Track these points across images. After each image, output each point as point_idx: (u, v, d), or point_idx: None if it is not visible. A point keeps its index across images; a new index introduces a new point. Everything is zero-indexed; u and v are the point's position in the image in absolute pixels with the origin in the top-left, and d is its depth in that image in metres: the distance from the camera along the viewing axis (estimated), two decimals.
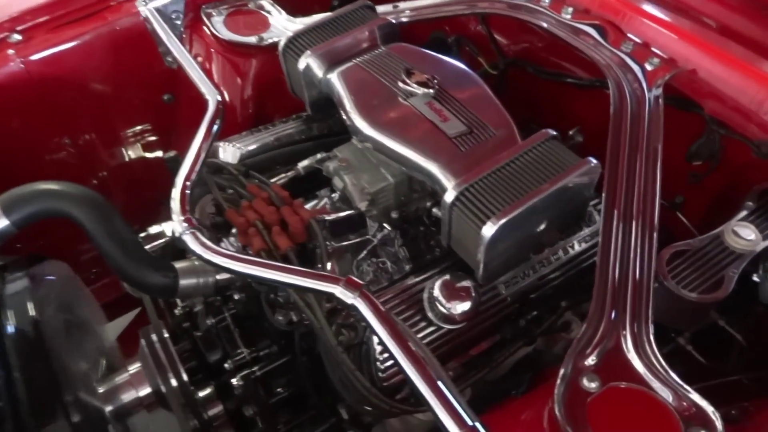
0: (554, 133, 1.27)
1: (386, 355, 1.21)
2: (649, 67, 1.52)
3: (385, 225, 1.51)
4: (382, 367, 1.21)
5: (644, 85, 1.46)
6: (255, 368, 1.44)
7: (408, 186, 1.41)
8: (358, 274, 1.52)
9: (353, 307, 1.07)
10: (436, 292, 1.22)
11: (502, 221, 1.11)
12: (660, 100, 1.43)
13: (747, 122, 1.40)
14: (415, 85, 1.37)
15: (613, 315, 1.12)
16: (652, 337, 1.09)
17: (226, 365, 1.43)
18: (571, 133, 1.61)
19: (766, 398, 1.05)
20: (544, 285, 1.40)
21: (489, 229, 1.11)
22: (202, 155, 1.37)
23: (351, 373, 1.19)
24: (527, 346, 1.45)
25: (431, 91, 1.36)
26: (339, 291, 1.07)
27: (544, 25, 1.65)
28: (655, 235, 1.21)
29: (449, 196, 1.18)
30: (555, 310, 1.46)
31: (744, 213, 1.36)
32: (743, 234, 1.28)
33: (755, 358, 1.38)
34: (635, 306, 1.13)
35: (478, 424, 0.88)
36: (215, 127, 1.44)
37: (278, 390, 1.54)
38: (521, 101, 1.99)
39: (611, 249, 1.19)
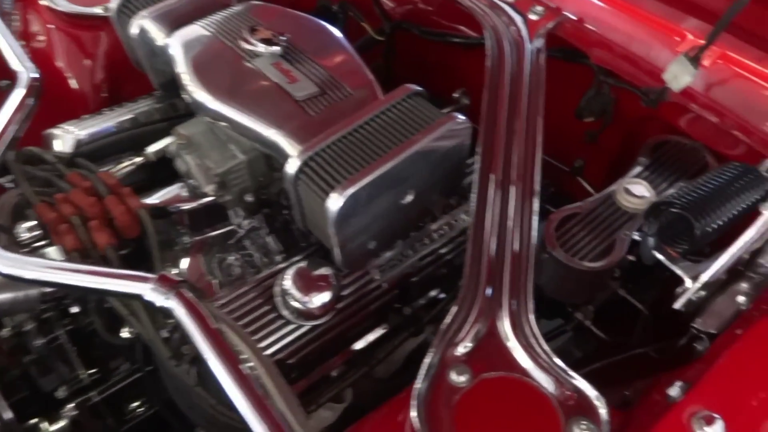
0: (417, 88, 1.09)
1: None
2: (532, 17, 1.37)
3: (246, 213, 1.31)
4: None
5: (525, 35, 1.31)
6: (93, 393, 1.21)
7: (265, 163, 1.21)
8: (223, 271, 1.31)
9: (167, 310, 0.86)
10: (288, 285, 1.03)
11: (350, 191, 0.93)
12: (542, 53, 1.29)
13: (636, 70, 1.26)
14: (259, 44, 1.16)
15: (488, 292, 0.96)
16: (532, 317, 0.93)
17: (58, 393, 1.19)
18: (456, 95, 1.45)
19: (666, 374, 0.91)
20: (428, 266, 1.23)
21: (335, 202, 0.93)
22: (4, 143, 1.12)
23: (191, 390, 0.98)
24: (415, 336, 1.28)
25: (278, 49, 1.16)
26: (148, 291, 0.86)
27: None
28: (536, 200, 1.06)
29: (291, 167, 0.99)
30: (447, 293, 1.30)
31: (638, 169, 1.24)
32: (636, 191, 1.15)
33: (662, 328, 1.25)
34: (514, 281, 0.97)
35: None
36: (26, 110, 1.19)
37: (137, 411, 1.32)
38: (411, 66, 1.83)
39: (486, 218, 1.03)
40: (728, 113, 1.18)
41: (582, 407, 0.82)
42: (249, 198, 1.22)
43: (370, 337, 1.24)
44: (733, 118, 1.18)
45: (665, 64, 1.15)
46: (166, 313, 0.86)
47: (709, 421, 0.69)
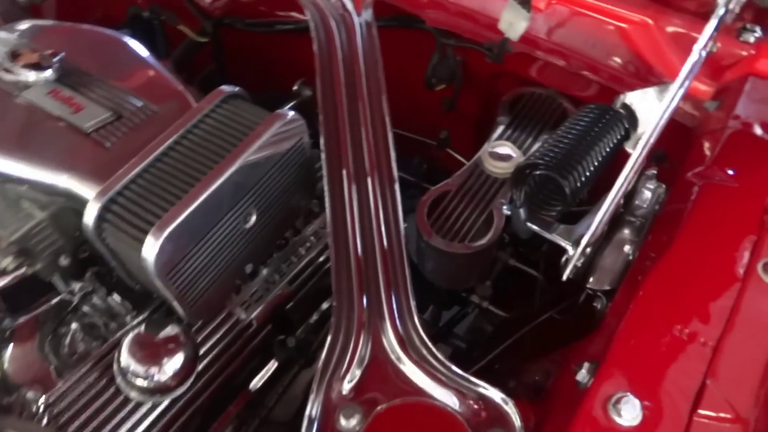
0: (233, 89, 0.92)
1: None
2: None
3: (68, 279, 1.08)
4: None
5: (351, 9, 1.18)
6: None
7: (76, 214, 0.98)
8: (62, 351, 1.07)
9: None
10: (126, 360, 0.83)
11: (167, 231, 0.75)
12: (373, 25, 1.16)
13: (473, 25, 1.18)
14: (24, 71, 0.93)
15: (365, 302, 0.82)
16: (418, 323, 0.81)
17: None
18: (295, 87, 1.29)
19: (572, 349, 0.82)
20: (302, 286, 1.07)
21: (150, 249, 0.74)
22: None
23: None
24: (308, 366, 1.13)
25: (50, 73, 0.93)
26: None
27: None
28: (396, 188, 0.93)
29: (89, 215, 0.79)
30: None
31: (500, 129, 1.15)
32: (501, 153, 1.06)
33: (561, 287, 1.19)
34: (389, 283, 0.84)
35: None
36: None
37: None
38: (246, 65, 1.65)
39: (346, 219, 0.89)
40: (572, 53, 1.13)
41: (492, 418, 0.71)
42: (64, 262, 0.99)
43: (258, 382, 1.07)
44: (578, 57, 1.12)
45: (500, 14, 1.06)
46: None
47: (623, 402, 0.60)
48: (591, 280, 0.89)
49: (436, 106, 1.43)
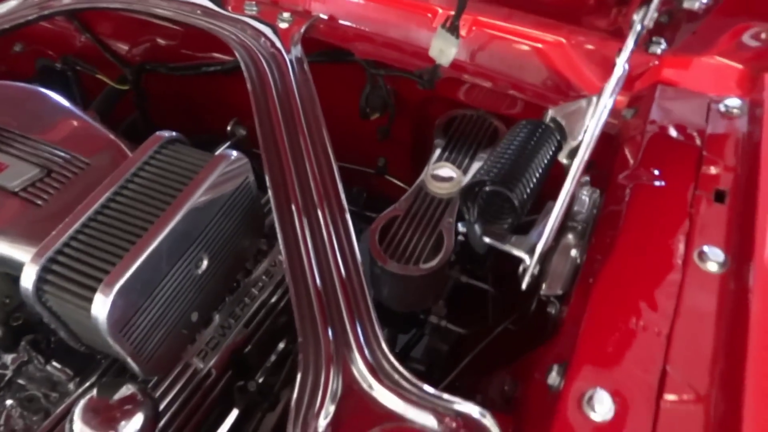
0: (171, 134, 0.90)
1: None
2: (282, 25, 1.25)
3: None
4: None
5: (280, 46, 1.19)
6: None
7: (3, 280, 0.92)
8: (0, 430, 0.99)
9: None
10: (79, 428, 0.77)
11: (118, 285, 0.71)
12: (304, 61, 1.17)
13: (401, 55, 1.22)
14: None
15: (330, 334, 0.81)
16: (385, 347, 0.81)
17: None
18: (229, 128, 1.27)
19: (535, 355, 0.85)
20: (258, 328, 1.04)
21: (101, 307, 0.71)
22: None
23: None
24: (272, 410, 1.09)
25: None
26: None
27: (141, 8, 1.27)
28: (347, 217, 0.94)
29: (27, 278, 0.74)
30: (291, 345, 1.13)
31: (437, 152, 1.19)
32: (443, 175, 1.09)
33: (511, 300, 1.23)
34: (352, 312, 0.84)
35: None
36: None
37: None
38: (172, 109, 1.61)
39: (301, 254, 0.88)
40: (497, 75, 1.19)
41: (470, 430, 0.71)
42: None
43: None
44: (502, 78, 1.19)
45: (427, 42, 1.11)
46: None
47: (596, 399, 0.63)
48: (543, 286, 0.92)
49: (372, 136, 1.46)
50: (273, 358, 1.10)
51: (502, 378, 0.92)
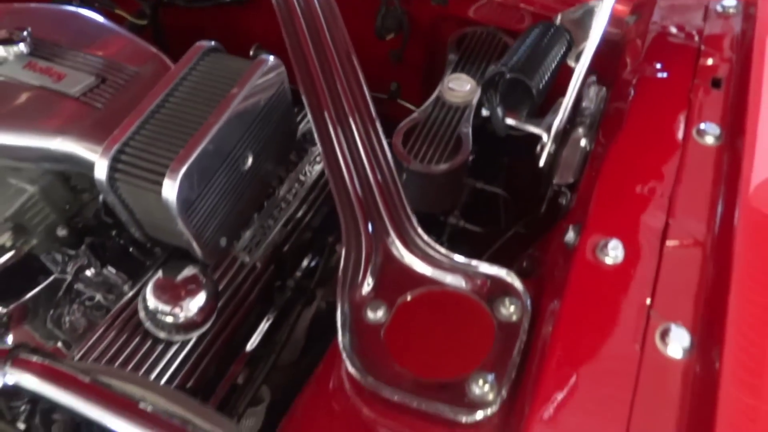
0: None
1: None
2: None
3: (66, 251, 1.09)
4: None
5: None
6: None
7: (63, 186, 1.01)
8: (64, 329, 1.09)
9: (11, 389, 0.67)
10: (153, 303, 0.87)
11: (183, 170, 0.80)
12: None
13: None
14: None
15: (370, 228, 0.91)
16: (419, 229, 0.91)
17: None
18: (251, 53, 1.33)
19: (554, 229, 0.95)
20: (293, 231, 1.14)
21: (170, 189, 0.79)
22: None
23: None
24: (308, 305, 1.20)
25: (23, 47, 0.95)
26: None
27: None
28: (378, 125, 1.01)
29: (100, 170, 0.82)
30: (322, 251, 1.23)
31: (451, 67, 1.26)
32: (459, 86, 1.17)
33: (523, 205, 1.32)
34: (389, 207, 0.93)
35: None
36: None
37: None
38: (186, 44, 1.66)
39: (338, 157, 0.97)
40: None
41: (498, 288, 0.82)
42: (62, 232, 1.01)
43: (264, 325, 1.13)
44: None
45: None
46: (12, 392, 0.67)
47: (609, 246, 0.73)
48: (555, 177, 1.02)
49: (384, 60, 1.52)
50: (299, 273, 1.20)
51: (521, 260, 1.02)
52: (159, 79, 0.93)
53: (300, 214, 1.15)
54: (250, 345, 1.11)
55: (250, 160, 0.95)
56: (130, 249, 1.14)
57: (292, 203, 1.15)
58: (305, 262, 1.23)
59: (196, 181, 0.83)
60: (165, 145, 0.83)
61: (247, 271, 1.04)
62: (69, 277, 1.12)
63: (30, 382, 0.66)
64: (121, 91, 0.93)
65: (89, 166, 0.87)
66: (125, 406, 0.63)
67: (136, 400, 0.65)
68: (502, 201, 1.31)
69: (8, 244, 0.96)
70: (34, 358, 0.67)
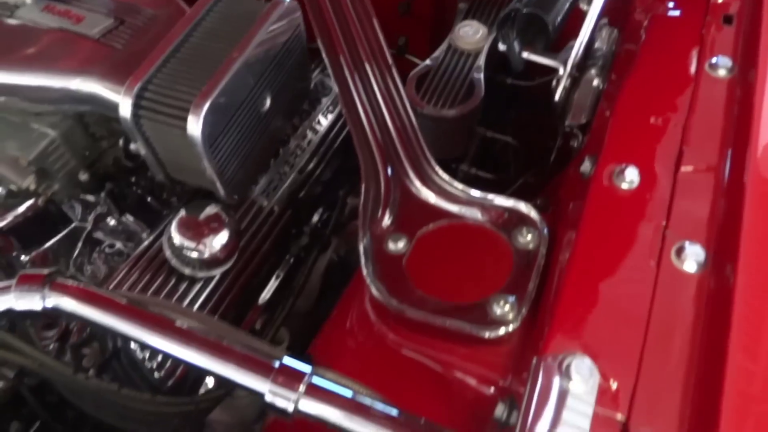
0: None
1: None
2: None
3: (86, 198, 1.11)
4: (155, 363, 0.87)
5: None
6: None
7: (82, 132, 1.02)
8: (88, 278, 1.11)
9: (51, 311, 0.69)
10: (178, 239, 0.89)
11: (206, 105, 0.81)
12: None
13: None
14: None
15: (389, 171, 0.93)
16: (437, 167, 0.93)
17: None
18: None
19: (557, 178, 0.97)
20: (309, 177, 1.16)
21: (195, 124, 0.81)
22: None
23: (119, 396, 0.82)
24: (324, 251, 1.23)
25: None
26: (14, 300, 0.68)
27: None
28: (394, 71, 1.02)
29: (125, 108, 0.84)
30: (336, 201, 1.25)
31: (462, 15, 1.27)
32: (470, 33, 1.18)
33: (532, 155, 1.34)
34: (408, 150, 0.94)
35: (286, 359, 0.62)
36: None
37: None
38: None
39: (356, 102, 0.98)
40: None
41: (515, 219, 0.84)
42: (83, 176, 1.02)
43: (281, 272, 1.16)
44: None
45: None
46: (51, 315, 0.69)
47: (626, 172, 0.75)
48: (568, 118, 1.03)
49: (392, 13, 1.52)
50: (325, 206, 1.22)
51: (535, 199, 1.04)
52: (175, 22, 0.94)
53: (314, 162, 1.17)
54: (268, 290, 1.14)
55: (268, 102, 0.96)
56: (148, 199, 1.16)
57: (306, 150, 1.16)
58: (317, 217, 1.25)
59: (218, 117, 0.84)
60: (187, 82, 0.85)
61: (265, 214, 1.06)
62: (89, 226, 1.14)
63: (68, 304, 0.68)
64: (139, 32, 0.94)
65: (110, 106, 0.88)
66: (163, 324, 0.66)
67: (172, 319, 0.67)
68: (512, 150, 1.33)
69: (32, 187, 0.98)
70: (70, 282, 0.70)
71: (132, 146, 1.00)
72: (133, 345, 0.87)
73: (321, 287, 1.26)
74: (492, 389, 0.72)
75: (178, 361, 0.70)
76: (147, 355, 0.87)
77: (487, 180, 1.29)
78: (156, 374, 0.87)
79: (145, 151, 0.90)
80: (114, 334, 0.80)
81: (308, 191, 1.17)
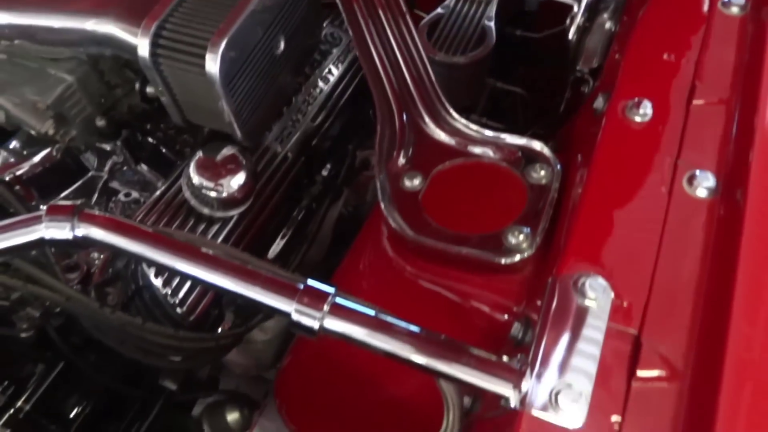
0: None
1: (174, 283, 0.90)
2: None
3: (102, 146, 1.13)
4: (178, 299, 0.90)
5: None
6: (19, 403, 1.01)
7: (98, 78, 1.03)
8: None
9: (81, 240, 0.71)
10: (195, 179, 0.91)
11: (224, 43, 0.82)
12: None
13: None
14: None
15: (404, 114, 0.94)
16: (450, 109, 0.94)
17: None
18: None
19: (568, 125, 0.99)
20: (321, 126, 1.17)
21: (212, 62, 0.82)
22: None
23: (143, 330, 0.86)
24: (335, 201, 1.25)
25: None
26: (45, 229, 0.70)
27: None
28: (408, 18, 1.03)
29: (143, 48, 0.85)
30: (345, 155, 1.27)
31: None
32: None
33: (540, 104, 1.35)
34: (423, 95, 0.96)
35: (311, 281, 0.64)
36: None
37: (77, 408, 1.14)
38: None
39: (370, 48, 0.98)
40: None
41: (528, 156, 0.86)
42: (100, 122, 1.04)
43: (294, 219, 1.18)
44: None
45: None
46: (80, 244, 0.71)
47: (639, 106, 0.76)
48: (579, 63, 1.04)
49: None
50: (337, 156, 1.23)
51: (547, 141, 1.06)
52: None
53: (326, 111, 1.18)
54: (281, 237, 1.16)
55: (282, 45, 0.97)
56: (163, 150, 1.17)
57: (318, 99, 1.17)
58: (328, 168, 1.26)
59: (235, 56, 0.85)
60: (203, 21, 0.85)
61: (279, 160, 1.07)
62: (105, 175, 1.16)
63: (98, 233, 0.70)
64: None
65: (126, 47, 0.89)
66: (190, 250, 0.68)
67: (198, 246, 0.69)
68: (522, 101, 1.33)
69: (51, 132, 1.00)
70: (98, 212, 0.72)
71: (149, 89, 1.02)
72: (155, 282, 0.90)
73: (332, 238, 1.29)
74: (507, 316, 0.75)
75: (206, 286, 0.72)
76: (169, 291, 0.90)
77: (496, 130, 1.29)
78: (178, 310, 0.90)
79: (163, 92, 0.91)
80: (142, 261, 0.82)
81: (320, 141, 1.18)
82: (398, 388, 0.83)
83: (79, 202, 0.72)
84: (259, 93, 0.95)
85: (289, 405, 0.92)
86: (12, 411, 0.97)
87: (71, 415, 1.10)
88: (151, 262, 0.69)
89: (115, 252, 0.73)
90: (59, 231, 0.70)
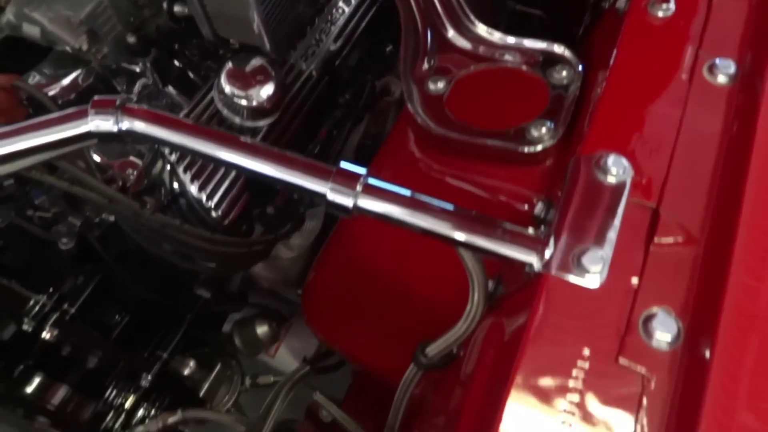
0: None
1: (209, 188, 0.94)
2: None
3: (130, 67, 1.16)
4: (213, 203, 0.94)
5: None
6: (65, 306, 1.07)
7: (133, 2, 1.05)
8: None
9: (126, 134, 0.75)
10: (227, 88, 0.94)
11: None
12: None
13: None
14: None
15: (428, 26, 0.95)
16: (472, 17, 0.96)
17: (24, 326, 1.04)
18: None
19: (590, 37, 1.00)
20: (342, 47, 1.19)
21: None
22: None
23: (181, 232, 0.90)
24: (357, 124, 1.28)
25: None
26: (91, 124, 0.74)
27: None
28: None
29: None
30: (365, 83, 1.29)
31: None
32: None
33: (560, 26, 1.35)
34: (446, 6, 0.97)
35: (343, 163, 0.68)
36: None
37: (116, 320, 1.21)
38: None
39: None
40: None
41: (550, 59, 0.88)
42: (131, 39, 1.07)
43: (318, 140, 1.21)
44: None
45: None
46: (125, 137, 0.75)
47: (662, 1, 0.77)
48: None
49: None
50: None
51: None
52: None
53: (347, 33, 1.20)
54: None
55: None
56: (190, 75, 1.20)
57: (341, 19, 1.19)
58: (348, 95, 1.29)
59: None
60: None
61: (305, 78, 1.10)
62: (134, 97, 1.20)
63: (141, 126, 0.74)
64: None
65: None
66: (229, 139, 0.72)
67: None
68: (541, 23, 1.34)
69: (84, 47, 1.03)
70: (138, 106, 0.75)
71: (176, 8, 1.04)
72: (191, 188, 0.94)
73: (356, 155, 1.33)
74: (528, 207, 0.79)
75: (246, 173, 0.76)
76: (204, 196, 0.94)
77: None
78: (213, 214, 0.95)
79: (194, 2, 0.93)
80: (183, 152, 0.86)
81: (342, 63, 1.20)
82: (420, 292, 0.87)
83: (121, 96, 0.75)
84: (285, 6, 0.97)
85: (317, 316, 0.98)
86: (59, 313, 1.04)
87: (111, 324, 1.16)
88: (192, 153, 0.72)
89: (158, 143, 0.76)
90: (105, 123, 0.74)
